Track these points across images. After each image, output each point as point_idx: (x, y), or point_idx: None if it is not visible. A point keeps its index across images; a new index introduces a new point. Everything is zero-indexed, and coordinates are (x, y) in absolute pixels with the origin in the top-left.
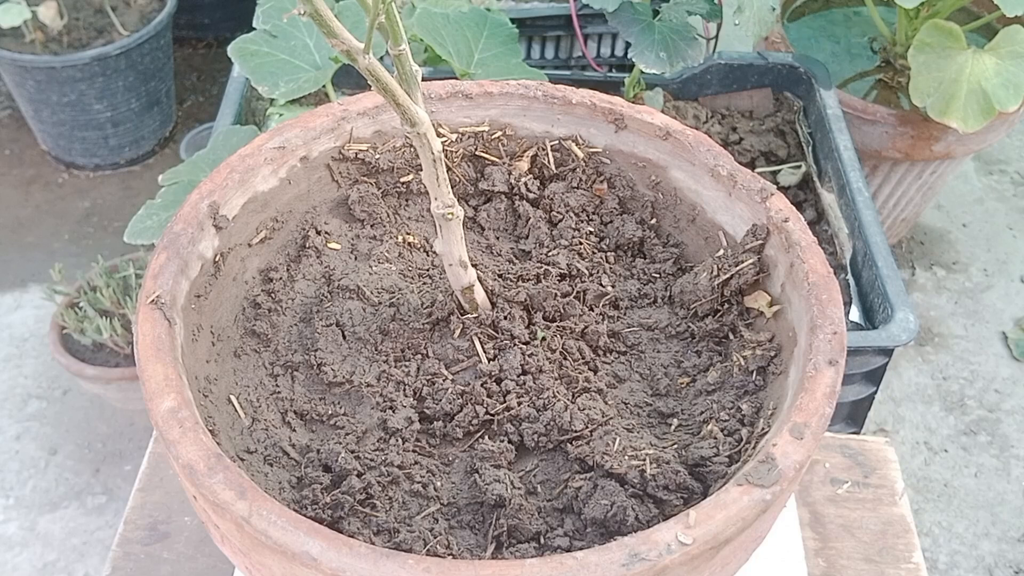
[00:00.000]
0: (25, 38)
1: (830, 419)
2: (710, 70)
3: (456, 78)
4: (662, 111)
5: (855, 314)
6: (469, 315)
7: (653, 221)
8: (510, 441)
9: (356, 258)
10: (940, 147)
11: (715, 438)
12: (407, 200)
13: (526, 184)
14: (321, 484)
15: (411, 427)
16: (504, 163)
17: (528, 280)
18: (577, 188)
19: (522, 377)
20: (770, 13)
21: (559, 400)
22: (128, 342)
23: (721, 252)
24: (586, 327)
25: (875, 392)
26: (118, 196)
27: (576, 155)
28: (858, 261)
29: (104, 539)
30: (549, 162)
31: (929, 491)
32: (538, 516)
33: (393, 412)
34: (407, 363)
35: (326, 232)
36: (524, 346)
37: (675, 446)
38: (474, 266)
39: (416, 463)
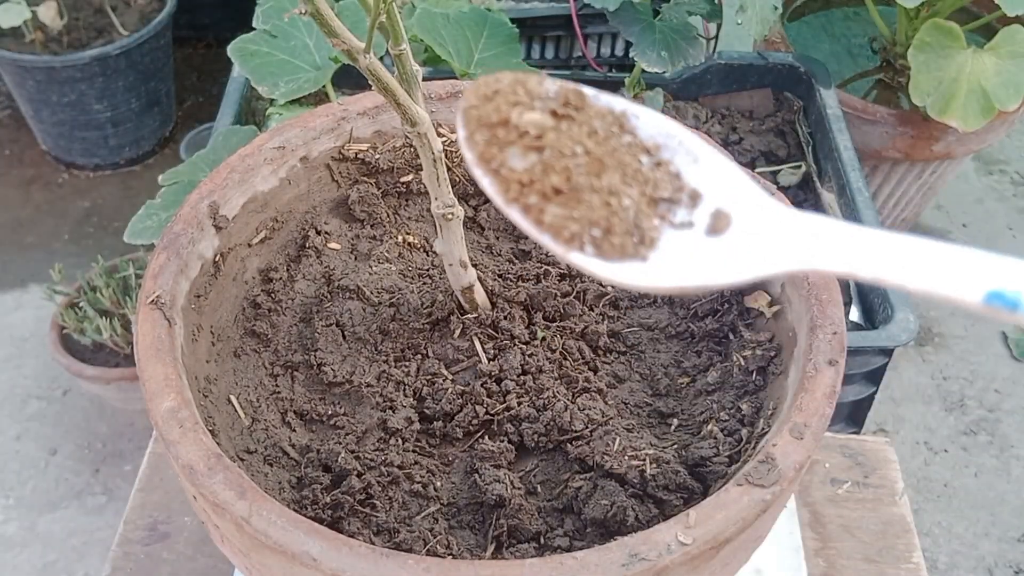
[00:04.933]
0: (25, 38)
1: (830, 419)
2: (710, 70)
3: (456, 78)
4: (662, 111)
5: (855, 314)
6: (469, 315)
7: None
8: (510, 441)
9: (356, 258)
10: (940, 147)
11: (715, 438)
12: (407, 200)
13: None
14: (321, 484)
15: (411, 427)
16: None
17: (528, 280)
18: None
19: (522, 377)
20: (772, 12)
21: (559, 400)
22: (128, 342)
23: None
24: (586, 327)
25: (875, 392)
26: (118, 196)
27: None
28: None
29: (104, 539)
30: None
31: (929, 491)
32: (538, 516)
33: (393, 412)
34: (407, 363)
35: (326, 232)
36: (524, 346)
37: (675, 446)
38: (474, 266)
39: (416, 463)
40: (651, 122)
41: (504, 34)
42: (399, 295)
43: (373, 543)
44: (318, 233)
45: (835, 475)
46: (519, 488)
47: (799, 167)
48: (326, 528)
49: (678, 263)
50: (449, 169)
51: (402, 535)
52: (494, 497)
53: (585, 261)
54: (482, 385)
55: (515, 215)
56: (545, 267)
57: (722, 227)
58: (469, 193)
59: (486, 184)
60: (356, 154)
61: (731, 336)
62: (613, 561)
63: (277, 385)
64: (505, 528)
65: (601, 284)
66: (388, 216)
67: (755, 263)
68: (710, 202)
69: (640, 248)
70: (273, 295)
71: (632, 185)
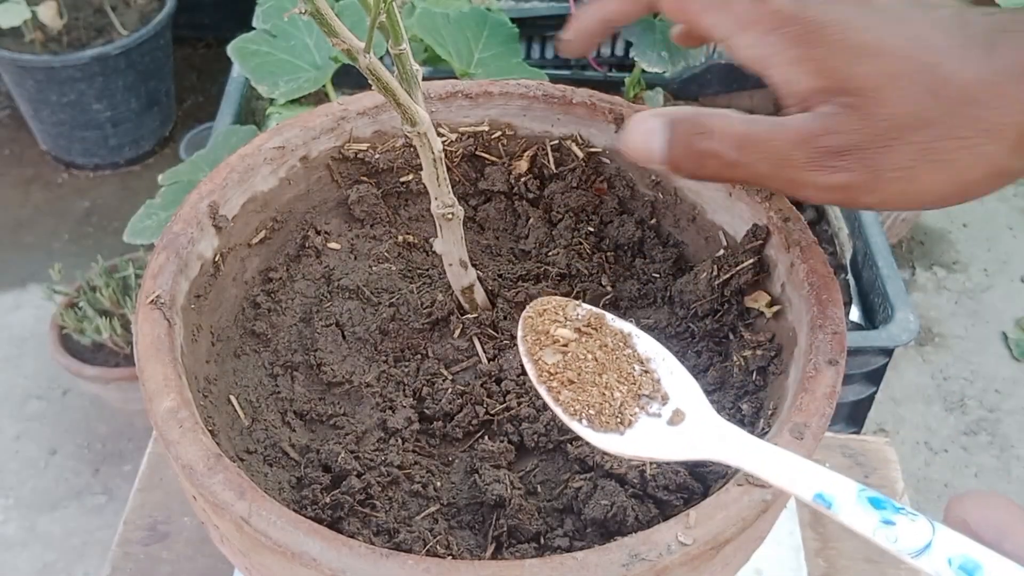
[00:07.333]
0: (25, 38)
1: (830, 419)
2: (710, 70)
3: (456, 78)
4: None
5: (855, 314)
6: (469, 315)
7: (653, 221)
8: (510, 441)
9: (356, 258)
10: None
11: None
12: (407, 200)
13: (526, 184)
14: (321, 484)
15: (411, 427)
16: (504, 163)
17: (528, 280)
18: (577, 188)
19: (522, 377)
20: None
21: None
22: (127, 342)
23: (721, 252)
24: None
25: (875, 392)
26: (118, 196)
27: (576, 155)
28: (858, 261)
29: (103, 539)
30: (549, 162)
31: (929, 491)
32: (538, 516)
33: (393, 412)
34: (407, 363)
35: (326, 232)
36: None
37: None
38: (474, 266)
39: (416, 463)
40: (647, 343)
41: (504, 34)
42: (399, 295)
43: (373, 543)
44: (318, 233)
45: None
46: (519, 488)
47: None
48: (326, 528)
49: (644, 440)
50: (449, 169)
51: (402, 535)
52: (494, 497)
53: (580, 429)
54: (482, 385)
55: (543, 391)
56: (544, 267)
57: (678, 421)
58: (469, 193)
59: (529, 368)
60: (356, 154)
61: (731, 336)
62: (613, 561)
63: (277, 385)
64: (505, 528)
65: (601, 284)
66: (388, 216)
67: (690, 450)
68: (674, 402)
69: (620, 426)
70: (273, 295)
71: (624, 383)
